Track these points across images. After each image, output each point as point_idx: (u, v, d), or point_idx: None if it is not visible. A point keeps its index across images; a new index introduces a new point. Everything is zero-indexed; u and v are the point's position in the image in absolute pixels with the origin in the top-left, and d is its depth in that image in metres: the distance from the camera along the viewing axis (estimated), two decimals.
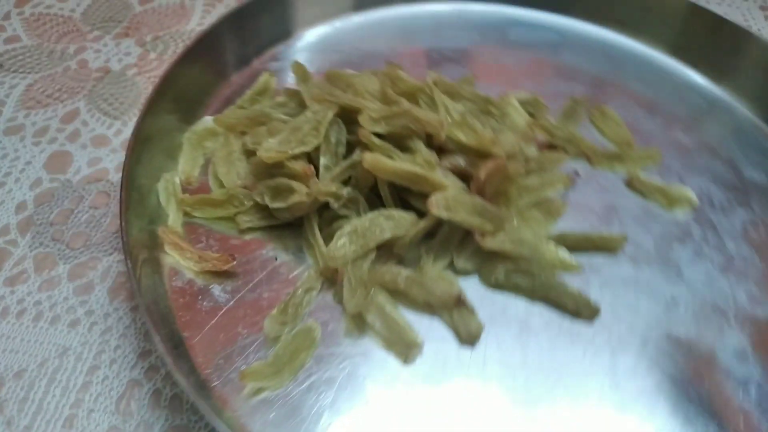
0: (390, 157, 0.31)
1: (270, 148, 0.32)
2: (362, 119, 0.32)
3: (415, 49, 0.45)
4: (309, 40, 0.45)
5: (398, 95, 0.34)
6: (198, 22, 0.47)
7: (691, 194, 0.35)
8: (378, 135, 0.32)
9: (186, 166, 0.36)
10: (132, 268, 0.28)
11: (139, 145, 0.33)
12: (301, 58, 0.43)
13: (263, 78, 0.40)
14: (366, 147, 0.32)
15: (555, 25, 0.46)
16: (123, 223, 0.30)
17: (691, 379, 0.28)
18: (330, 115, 0.33)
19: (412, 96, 0.35)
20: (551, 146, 0.37)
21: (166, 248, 0.31)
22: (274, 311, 0.29)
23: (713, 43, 0.42)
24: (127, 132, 0.39)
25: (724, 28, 0.41)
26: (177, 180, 0.34)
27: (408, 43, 0.45)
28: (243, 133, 0.36)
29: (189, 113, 0.38)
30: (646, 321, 0.30)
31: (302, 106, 0.36)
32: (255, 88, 0.40)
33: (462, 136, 0.32)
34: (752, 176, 0.37)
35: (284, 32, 0.44)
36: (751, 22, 0.51)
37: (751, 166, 0.38)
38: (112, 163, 0.37)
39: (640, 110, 0.41)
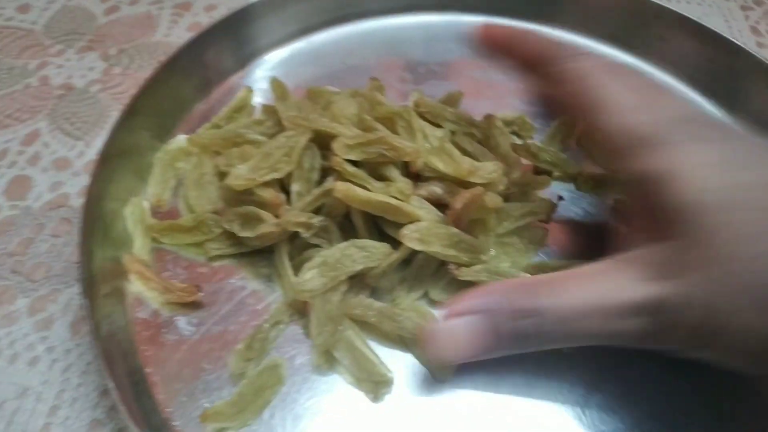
0: (364, 185, 0.34)
1: (239, 176, 0.35)
2: (336, 146, 0.35)
3: (402, 62, 0.48)
4: (291, 53, 0.48)
5: (377, 119, 0.37)
6: (164, 33, 0.50)
7: None
8: (354, 162, 0.35)
9: (156, 188, 0.39)
10: (89, 302, 0.31)
11: (105, 168, 0.36)
12: (282, 71, 0.46)
13: (241, 94, 0.43)
14: (340, 174, 0.35)
15: None
16: (81, 253, 0.32)
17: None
18: (303, 140, 0.36)
19: (390, 120, 0.38)
20: (536, 169, 0.40)
21: (131, 277, 0.34)
22: (240, 346, 0.32)
23: (707, 59, 0.45)
24: (90, 153, 0.42)
25: (719, 43, 0.44)
26: (145, 204, 0.37)
27: (395, 56, 0.48)
28: (217, 153, 0.39)
29: (162, 131, 0.41)
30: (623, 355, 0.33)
31: (280, 125, 0.39)
32: (232, 104, 0.43)
33: (439, 165, 0.35)
34: None
35: (265, 45, 0.48)
36: (731, 23, 0.54)
37: None
38: (74, 187, 0.40)
39: None
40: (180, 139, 0.40)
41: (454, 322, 0.28)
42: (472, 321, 0.27)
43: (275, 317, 0.33)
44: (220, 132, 0.40)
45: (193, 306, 0.34)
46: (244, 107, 0.43)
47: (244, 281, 0.35)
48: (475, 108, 0.45)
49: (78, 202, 0.40)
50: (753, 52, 0.44)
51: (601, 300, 0.26)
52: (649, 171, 0.27)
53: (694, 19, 0.46)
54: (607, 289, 0.26)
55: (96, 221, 0.35)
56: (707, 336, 0.25)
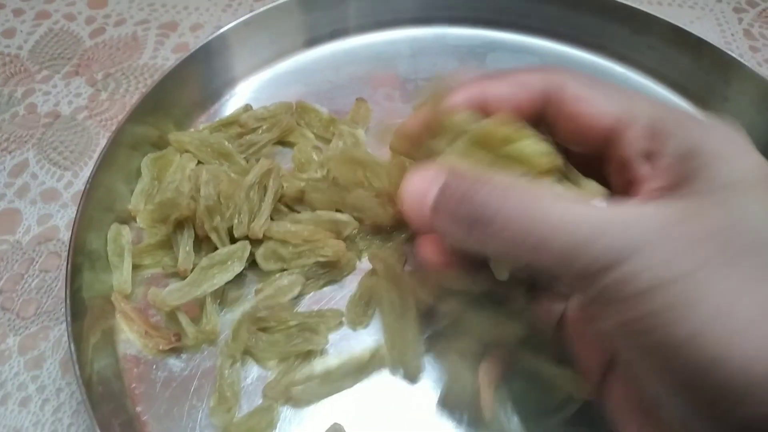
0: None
1: (163, 300, 0.34)
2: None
3: (389, 78, 0.48)
4: (277, 72, 0.48)
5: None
6: (151, 56, 0.50)
7: None
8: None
9: (140, 198, 0.39)
10: (75, 347, 0.31)
11: (91, 201, 0.37)
12: (270, 91, 0.47)
13: (237, 110, 0.44)
14: None
15: (536, 49, 0.49)
16: (68, 290, 0.33)
17: None
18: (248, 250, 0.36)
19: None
20: None
21: (117, 317, 0.35)
22: (213, 402, 0.32)
23: (700, 70, 0.45)
24: (78, 184, 0.42)
25: (711, 53, 0.44)
26: (125, 231, 0.38)
27: (382, 72, 0.48)
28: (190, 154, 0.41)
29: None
30: None
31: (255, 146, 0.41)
32: (224, 118, 0.43)
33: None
34: None
35: (252, 66, 0.48)
36: (724, 27, 0.54)
37: None
38: (63, 219, 0.41)
39: None
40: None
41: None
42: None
43: (226, 361, 0.33)
44: (200, 135, 0.41)
45: (174, 351, 0.34)
46: (234, 122, 0.43)
47: None
48: None
49: (67, 235, 0.40)
50: (743, 61, 0.43)
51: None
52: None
53: (683, 27, 0.46)
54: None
55: (84, 257, 0.35)
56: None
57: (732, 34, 0.53)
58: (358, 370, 0.33)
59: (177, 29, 0.53)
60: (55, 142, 0.45)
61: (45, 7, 0.54)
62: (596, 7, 0.48)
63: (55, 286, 0.38)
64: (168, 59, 0.50)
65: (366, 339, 0.35)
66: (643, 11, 0.47)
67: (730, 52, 0.44)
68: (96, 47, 0.51)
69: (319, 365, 0.32)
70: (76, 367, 0.30)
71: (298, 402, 0.32)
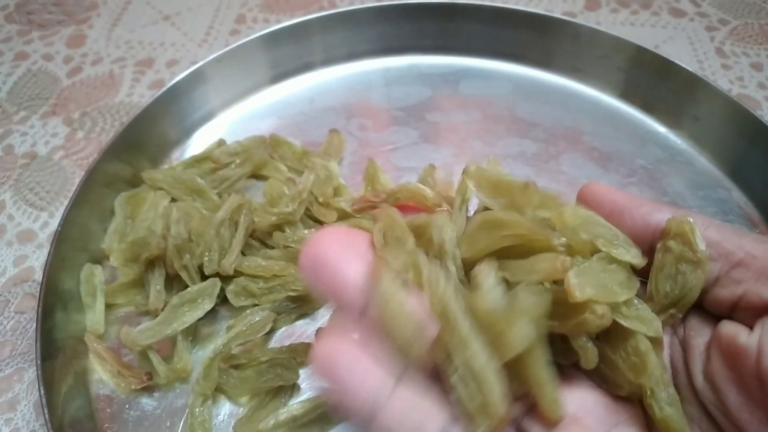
0: None
1: (134, 340, 0.35)
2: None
3: (362, 109, 0.49)
4: (251, 106, 0.49)
5: None
6: (127, 93, 0.52)
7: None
8: None
9: (113, 237, 0.40)
10: (45, 384, 0.32)
11: (64, 243, 0.38)
12: (244, 124, 0.48)
13: (210, 145, 0.45)
14: None
15: (508, 74, 0.50)
16: (38, 333, 0.34)
17: None
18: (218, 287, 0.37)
19: None
20: None
21: (90, 357, 0.35)
22: None
23: (668, 90, 0.46)
24: (54, 224, 0.43)
25: (677, 73, 0.45)
26: (98, 271, 0.38)
27: (355, 102, 0.49)
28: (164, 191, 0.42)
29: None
30: None
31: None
32: (198, 154, 0.44)
33: None
34: None
35: (227, 100, 0.49)
36: (696, 45, 0.55)
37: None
38: (38, 260, 0.42)
39: (594, 163, 0.45)
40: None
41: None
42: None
43: (198, 398, 0.34)
44: (173, 172, 0.42)
45: (147, 389, 0.35)
46: (207, 158, 0.44)
47: None
48: (437, 154, 0.46)
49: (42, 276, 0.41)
50: (715, 79, 0.44)
51: None
52: None
53: (651, 49, 0.47)
54: None
55: (56, 297, 0.36)
56: None
57: (704, 53, 0.54)
58: (324, 414, 0.33)
59: (153, 65, 0.54)
60: (32, 183, 0.46)
61: (24, 48, 0.56)
62: (565, 31, 0.49)
63: (30, 327, 0.39)
64: (144, 96, 0.51)
65: None
66: (610, 35, 0.48)
67: (696, 72, 0.45)
68: (73, 86, 0.52)
69: (284, 413, 0.33)
70: (46, 410, 0.31)
71: None
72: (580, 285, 0.21)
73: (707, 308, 0.24)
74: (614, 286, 0.22)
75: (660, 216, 0.24)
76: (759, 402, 0.21)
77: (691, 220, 0.23)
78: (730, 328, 0.22)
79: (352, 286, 0.22)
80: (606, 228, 0.23)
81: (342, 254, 0.23)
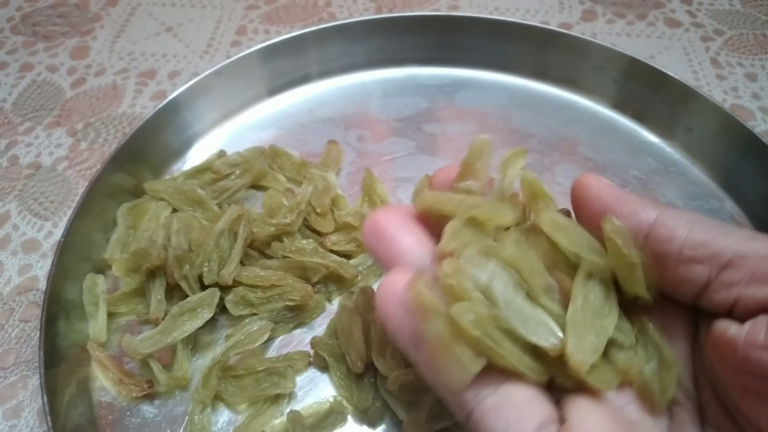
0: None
1: (135, 349, 0.36)
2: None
3: (360, 120, 0.50)
4: (251, 117, 0.50)
5: None
6: (130, 104, 0.53)
7: None
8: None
9: (115, 247, 0.41)
10: (48, 391, 0.33)
11: (68, 250, 0.39)
12: (244, 135, 0.49)
13: (211, 156, 0.46)
14: None
15: (504, 86, 0.51)
16: (41, 341, 0.35)
17: None
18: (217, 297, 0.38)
19: None
20: None
21: (93, 365, 0.37)
22: None
23: (661, 101, 0.47)
24: (57, 234, 0.44)
25: (671, 84, 0.46)
26: (101, 281, 0.39)
27: (354, 114, 0.50)
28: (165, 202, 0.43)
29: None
30: None
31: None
32: (198, 165, 0.45)
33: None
34: None
35: (226, 112, 0.50)
36: (692, 56, 0.56)
37: None
38: (42, 270, 0.43)
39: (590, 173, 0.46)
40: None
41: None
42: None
43: (197, 406, 0.35)
44: (174, 183, 0.43)
45: (147, 397, 0.36)
46: (207, 169, 0.45)
47: None
48: (434, 164, 0.47)
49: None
50: (708, 90, 0.45)
51: None
52: None
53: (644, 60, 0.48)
54: None
55: (60, 306, 0.37)
56: None
57: (699, 63, 0.55)
58: (319, 423, 0.34)
59: (155, 77, 0.55)
60: (36, 193, 0.47)
61: (29, 60, 0.57)
62: (560, 44, 0.50)
63: (34, 335, 0.40)
64: (146, 107, 0.52)
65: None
66: (604, 46, 0.49)
67: (691, 83, 0.46)
68: (77, 97, 0.53)
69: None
70: (49, 417, 0.32)
71: None
72: None
73: (707, 312, 0.24)
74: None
75: (644, 215, 0.24)
76: (758, 394, 0.21)
77: (615, 221, 0.24)
78: (721, 324, 0.22)
79: (406, 252, 0.26)
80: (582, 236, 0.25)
81: (398, 226, 0.27)
